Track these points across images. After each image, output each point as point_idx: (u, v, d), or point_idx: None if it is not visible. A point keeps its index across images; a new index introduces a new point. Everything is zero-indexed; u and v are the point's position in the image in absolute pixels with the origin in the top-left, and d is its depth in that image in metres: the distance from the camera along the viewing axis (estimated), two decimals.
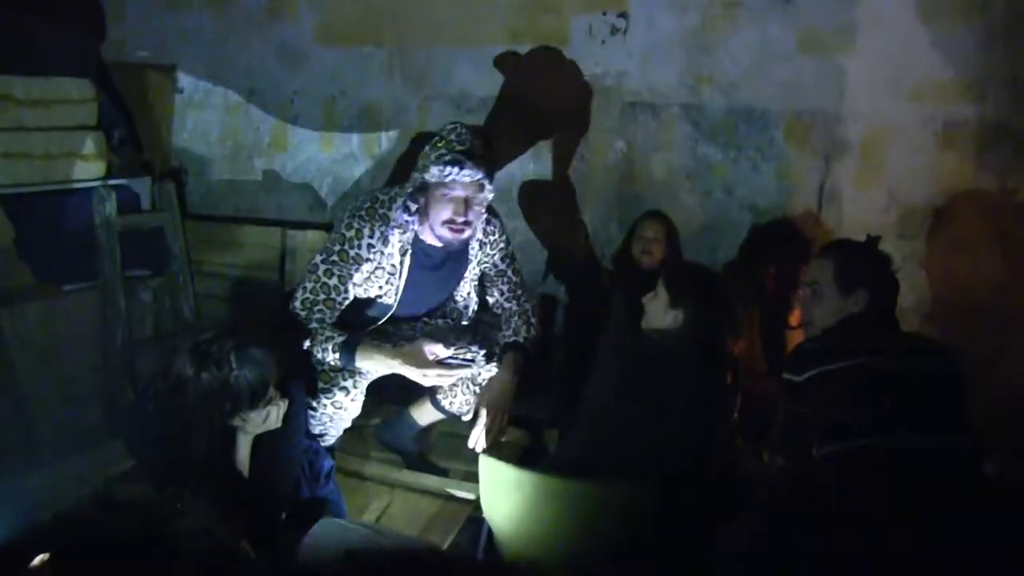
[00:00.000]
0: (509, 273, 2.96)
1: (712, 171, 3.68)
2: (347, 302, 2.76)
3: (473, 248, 2.86)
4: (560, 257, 3.99)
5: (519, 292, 2.96)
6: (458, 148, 2.55)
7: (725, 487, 2.57)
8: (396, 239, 2.72)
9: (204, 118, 4.52)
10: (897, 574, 2.00)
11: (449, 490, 2.89)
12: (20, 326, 3.34)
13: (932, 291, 3.38)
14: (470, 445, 2.73)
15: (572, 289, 3.97)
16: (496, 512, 2.63)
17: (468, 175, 2.55)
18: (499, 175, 3.88)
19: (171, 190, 3.98)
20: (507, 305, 2.96)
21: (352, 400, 2.74)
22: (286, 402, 2.29)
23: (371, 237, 2.69)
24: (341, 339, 2.61)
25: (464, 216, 2.61)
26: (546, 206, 3.95)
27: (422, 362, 2.57)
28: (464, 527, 2.71)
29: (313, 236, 4.11)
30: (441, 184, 2.58)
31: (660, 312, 2.61)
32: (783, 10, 3.43)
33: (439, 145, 2.59)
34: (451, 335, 2.89)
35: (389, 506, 2.84)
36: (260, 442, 2.29)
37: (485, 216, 2.80)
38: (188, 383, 2.08)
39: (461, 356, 2.63)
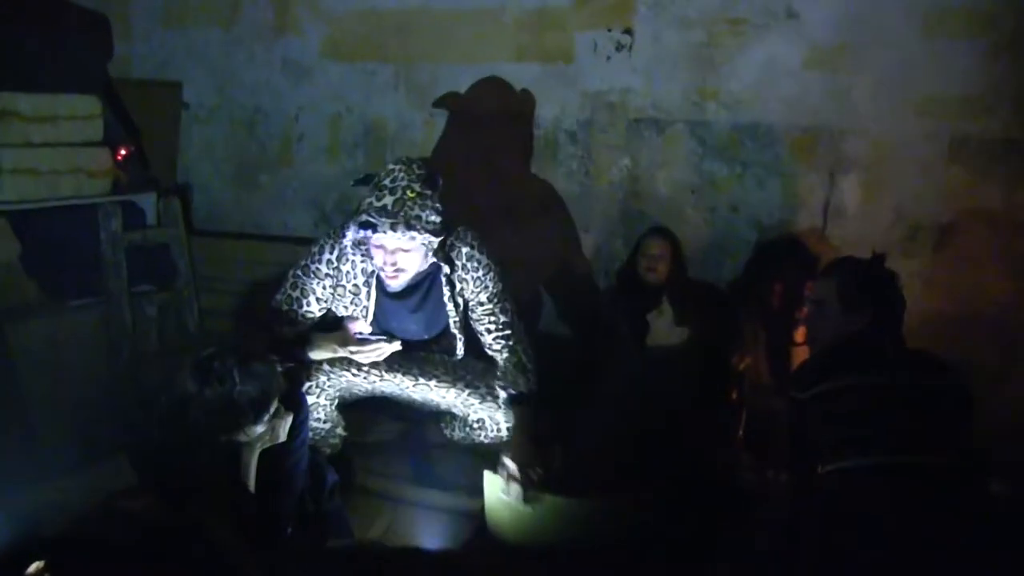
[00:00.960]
0: (497, 313, 2.86)
1: (717, 187, 3.68)
2: (310, 314, 2.85)
3: (446, 285, 2.83)
4: (564, 274, 3.99)
5: (508, 333, 2.86)
6: (376, 206, 2.56)
7: (728, 501, 2.57)
8: (358, 260, 2.77)
9: (210, 134, 4.54)
10: None
11: (454, 505, 2.88)
12: (26, 341, 3.34)
13: (938, 307, 3.36)
14: (509, 499, 2.62)
15: (576, 306, 3.96)
16: (500, 527, 2.65)
17: (381, 238, 2.58)
18: (502, 191, 3.91)
19: (176, 206, 3.99)
20: (495, 347, 2.87)
21: (309, 393, 2.79)
22: (291, 416, 2.28)
23: (331, 254, 2.80)
24: (295, 334, 2.78)
25: (393, 265, 2.66)
26: (550, 223, 3.95)
27: (349, 340, 2.72)
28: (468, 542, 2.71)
29: None
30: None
31: (665, 329, 2.61)
32: (788, 26, 3.44)
33: (372, 193, 2.60)
34: (441, 369, 2.90)
35: (393, 521, 2.83)
36: (266, 456, 2.29)
37: (466, 251, 2.80)
38: (191, 400, 2.07)
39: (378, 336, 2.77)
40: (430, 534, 2.73)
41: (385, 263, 2.65)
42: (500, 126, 3.95)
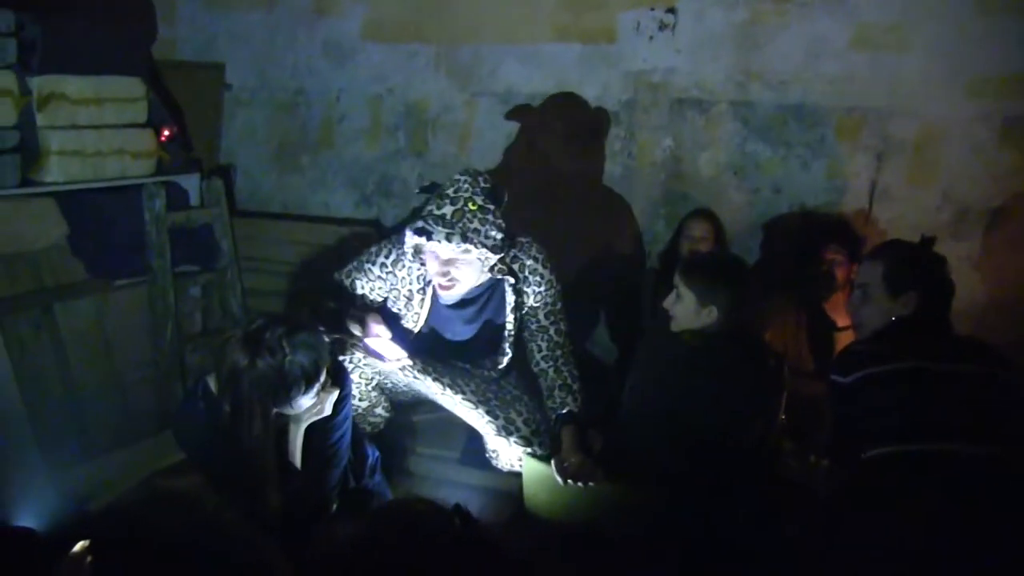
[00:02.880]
0: (551, 332, 2.85)
1: (761, 169, 3.64)
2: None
3: (510, 295, 2.81)
4: (606, 256, 3.97)
5: (558, 353, 2.84)
6: (436, 214, 2.56)
7: (770, 487, 2.55)
8: (415, 267, 2.78)
9: (252, 116, 4.57)
10: None
11: (493, 485, 2.89)
12: (73, 321, 3.39)
13: (987, 293, 3.30)
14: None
15: (618, 288, 3.94)
16: (538, 508, 2.65)
17: (434, 247, 2.57)
18: (544, 173, 3.89)
19: (219, 187, 4.02)
20: (544, 365, 2.85)
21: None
22: (337, 390, 2.29)
23: (386, 257, 2.82)
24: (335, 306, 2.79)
25: (446, 276, 2.65)
26: (593, 204, 3.93)
27: (367, 331, 2.68)
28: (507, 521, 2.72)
29: (361, 232, 4.12)
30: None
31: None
32: (834, 5, 3.39)
33: (433, 201, 2.61)
34: (472, 387, 2.87)
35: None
36: (311, 432, 2.30)
37: (530, 264, 2.80)
38: (243, 373, 2.07)
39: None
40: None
41: (438, 273, 2.65)
42: (542, 107, 3.93)
